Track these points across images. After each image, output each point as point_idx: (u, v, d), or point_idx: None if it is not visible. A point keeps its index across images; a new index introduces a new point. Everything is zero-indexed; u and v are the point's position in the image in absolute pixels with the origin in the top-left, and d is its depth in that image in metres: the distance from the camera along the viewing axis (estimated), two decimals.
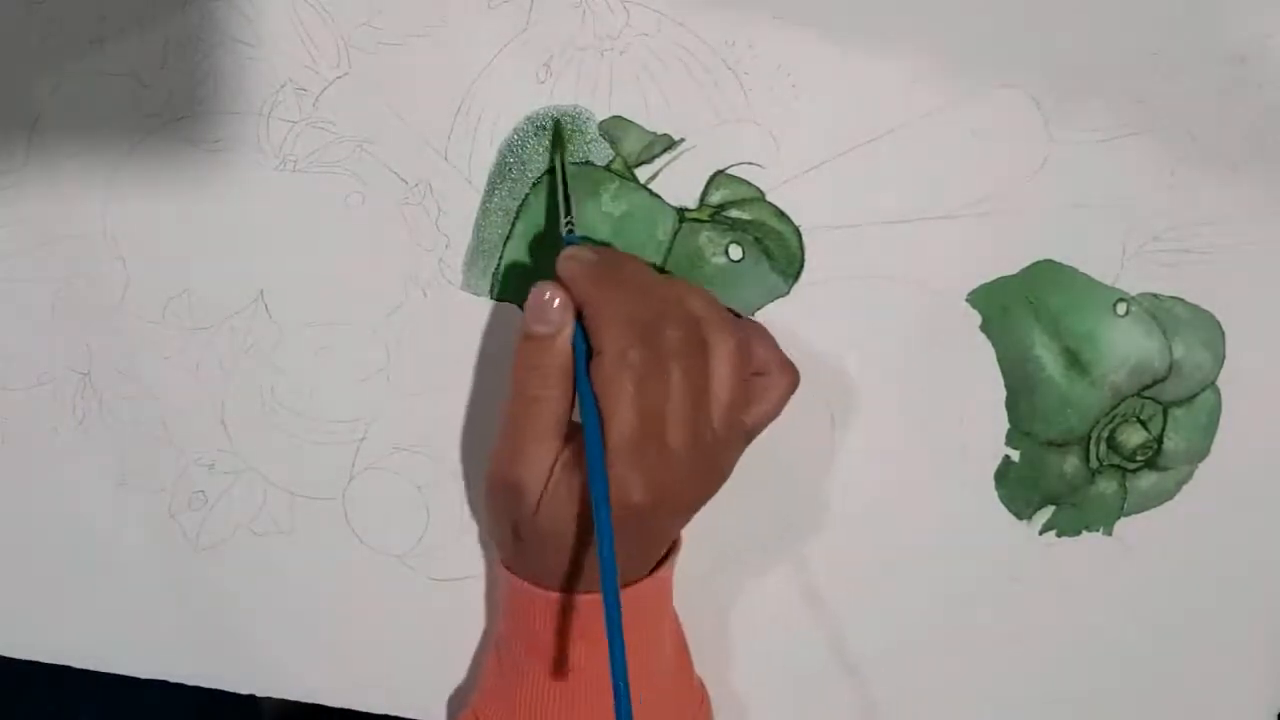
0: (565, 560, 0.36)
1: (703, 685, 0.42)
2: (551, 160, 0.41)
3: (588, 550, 0.36)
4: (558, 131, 0.40)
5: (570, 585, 0.37)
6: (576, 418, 0.36)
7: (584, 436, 0.34)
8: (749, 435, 0.38)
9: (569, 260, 0.36)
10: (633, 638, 0.32)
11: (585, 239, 0.40)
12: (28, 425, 0.43)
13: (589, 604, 0.37)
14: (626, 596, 0.34)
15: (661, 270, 0.41)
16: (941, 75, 0.40)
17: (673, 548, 0.39)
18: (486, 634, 0.44)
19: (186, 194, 0.41)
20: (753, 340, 0.38)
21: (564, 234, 0.38)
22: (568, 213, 0.39)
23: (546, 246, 0.41)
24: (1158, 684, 0.45)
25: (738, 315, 0.40)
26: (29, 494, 0.44)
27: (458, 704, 0.45)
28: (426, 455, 0.43)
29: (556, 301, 0.35)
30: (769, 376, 0.38)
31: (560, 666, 0.37)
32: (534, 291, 0.36)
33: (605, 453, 0.34)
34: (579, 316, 0.36)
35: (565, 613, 0.37)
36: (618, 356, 0.34)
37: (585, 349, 0.35)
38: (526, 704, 0.38)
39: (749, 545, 0.44)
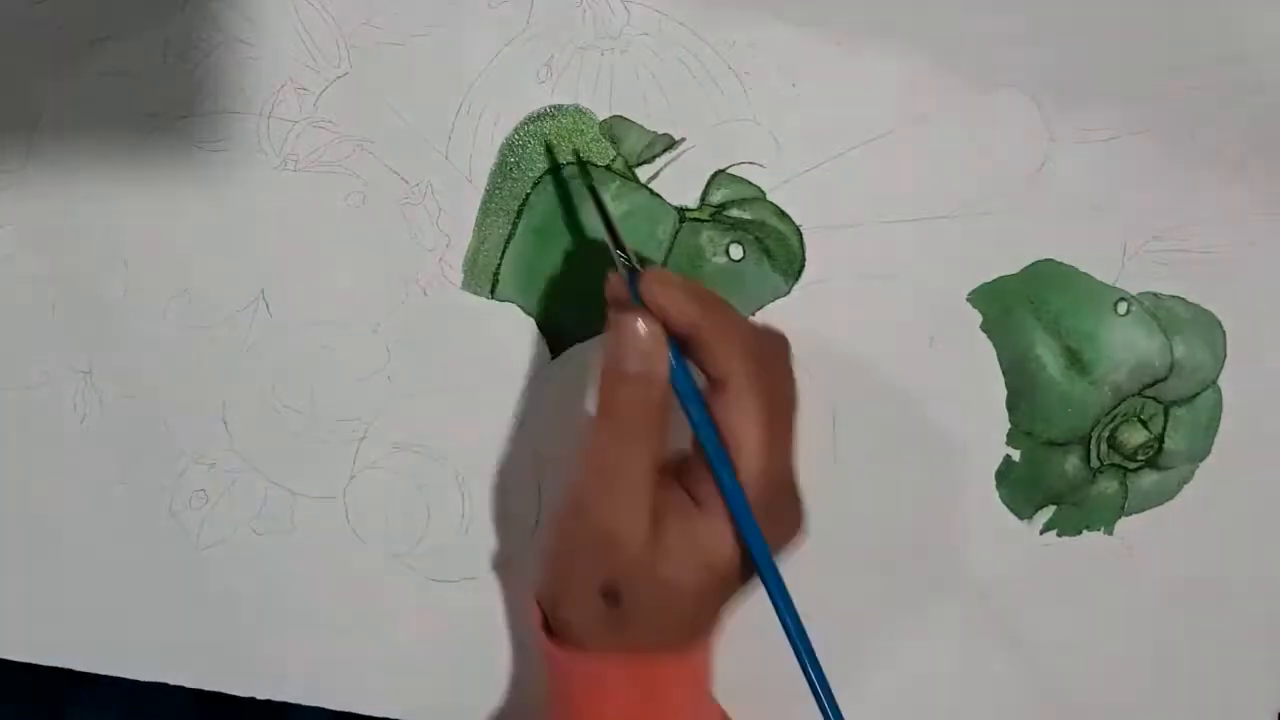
0: (676, 617, 0.33)
1: None
2: (589, 189, 0.38)
3: (704, 602, 0.33)
4: (582, 164, 0.40)
5: (680, 644, 0.34)
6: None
7: (713, 475, 0.32)
8: None
9: (665, 286, 0.32)
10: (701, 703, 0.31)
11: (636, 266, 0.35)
12: (28, 425, 0.43)
13: (699, 659, 0.34)
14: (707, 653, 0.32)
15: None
16: (942, 75, 0.40)
17: None
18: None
19: (186, 194, 0.41)
20: None
21: (624, 271, 0.34)
22: (619, 246, 0.35)
23: (548, 247, 0.41)
24: (1158, 684, 0.45)
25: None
26: (29, 494, 0.44)
27: (455, 706, 0.45)
28: (426, 455, 0.43)
29: (651, 333, 0.32)
30: None
31: None
32: (620, 324, 0.32)
33: (744, 488, 0.31)
34: (680, 345, 0.32)
35: (676, 674, 0.34)
36: (748, 384, 0.32)
37: (685, 378, 0.32)
38: None
39: None
